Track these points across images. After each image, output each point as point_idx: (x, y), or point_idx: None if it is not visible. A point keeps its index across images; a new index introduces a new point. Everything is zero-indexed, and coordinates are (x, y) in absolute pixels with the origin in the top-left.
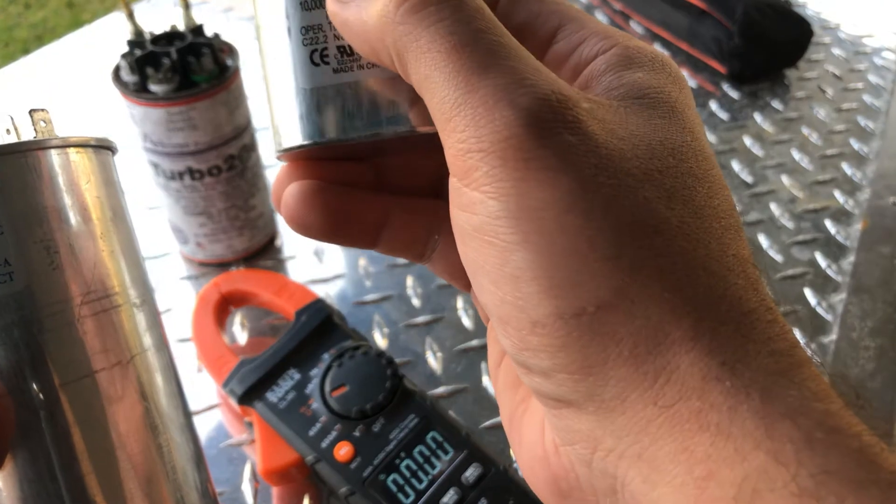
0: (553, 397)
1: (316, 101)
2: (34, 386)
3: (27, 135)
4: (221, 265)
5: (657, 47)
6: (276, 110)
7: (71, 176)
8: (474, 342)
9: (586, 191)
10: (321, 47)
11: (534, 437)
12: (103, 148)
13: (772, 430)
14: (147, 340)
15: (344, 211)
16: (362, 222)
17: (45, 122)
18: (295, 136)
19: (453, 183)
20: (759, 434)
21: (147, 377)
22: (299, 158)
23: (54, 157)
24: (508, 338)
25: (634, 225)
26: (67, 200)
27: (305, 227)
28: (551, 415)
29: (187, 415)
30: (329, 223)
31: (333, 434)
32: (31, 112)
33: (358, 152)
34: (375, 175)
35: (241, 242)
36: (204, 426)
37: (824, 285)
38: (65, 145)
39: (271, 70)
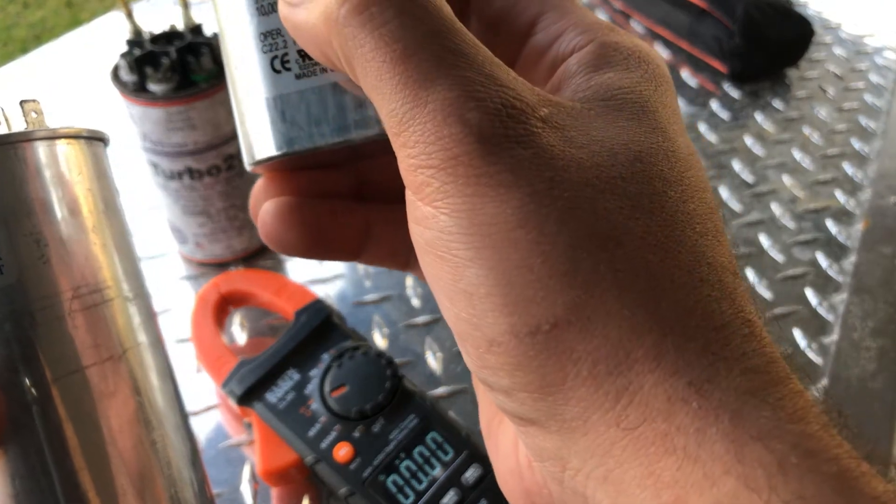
0: (516, 415)
1: (281, 109)
2: (26, 381)
3: (18, 126)
4: (220, 265)
5: (658, 47)
6: (243, 121)
7: (61, 168)
8: None
9: (540, 205)
10: (281, 53)
11: (508, 448)
12: (95, 139)
13: (742, 455)
14: (140, 335)
15: (323, 227)
16: (343, 237)
17: (36, 112)
18: (264, 147)
19: (408, 196)
20: (728, 458)
21: (140, 372)
22: (273, 170)
23: (44, 148)
24: (468, 355)
25: (592, 237)
26: (58, 193)
27: (284, 246)
28: (520, 431)
29: (182, 411)
30: (308, 240)
31: (333, 435)
32: (22, 103)
33: (333, 159)
34: (356, 180)
35: (240, 242)
36: (203, 427)
37: (825, 285)
38: (55, 136)
39: (235, 79)
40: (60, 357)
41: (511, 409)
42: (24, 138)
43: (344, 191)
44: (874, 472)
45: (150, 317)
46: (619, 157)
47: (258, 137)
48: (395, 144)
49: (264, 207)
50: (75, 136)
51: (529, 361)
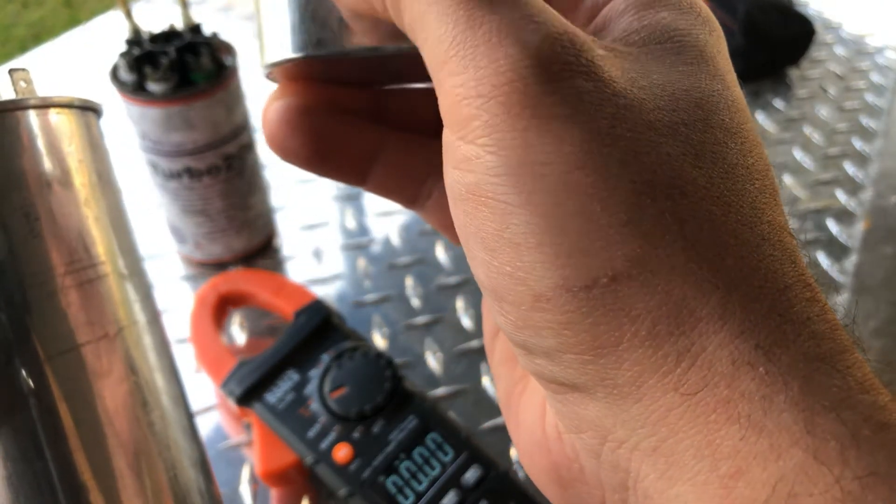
0: (557, 381)
1: (311, 8)
2: (17, 360)
3: (6, 95)
4: (220, 265)
5: None
6: (264, 20)
7: (52, 138)
8: (474, 343)
9: (601, 144)
10: None
11: (533, 419)
12: (87, 109)
13: (812, 425)
14: (136, 312)
15: (331, 137)
16: (351, 152)
17: (25, 82)
18: (284, 48)
19: (447, 137)
20: (797, 429)
21: (137, 351)
22: (290, 77)
23: (34, 117)
24: (505, 314)
25: (656, 185)
26: (48, 164)
27: (286, 151)
28: (555, 399)
29: (181, 390)
30: (312, 149)
31: (332, 435)
32: (11, 72)
33: (356, 75)
34: (374, 104)
35: (239, 242)
36: (202, 427)
37: (826, 286)
38: (45, 105)
39: None
40: (53, 335)
41: (551, 373)
42: (13, 107)
43: (358, 110)
44: None
45: (147, 295)
46: (680, 102)
47: (282, 38)
48: (440, 76)
49: (271, 107)
50: (67, 105)
51: (582, 319)
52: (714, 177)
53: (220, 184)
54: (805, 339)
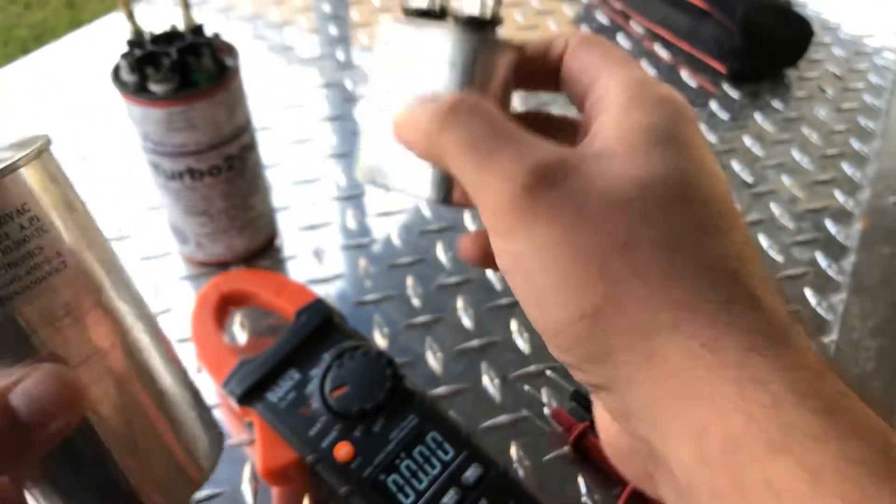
0: (591, 384)
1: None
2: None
3: None
4: (221, 265)
5: (657, 47)
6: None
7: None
8: (474, 342)
9: (572, 228)
10: None
11: (604, 423)
12: (39, 154)
13: (744, 395)
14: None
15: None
16: None
17: None
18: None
19: (490, 236)
20: (735, 398)
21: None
22: None
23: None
24: (549, 345)
25: (613, 246)
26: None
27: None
28: (597, 398)
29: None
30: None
31: (333, 434)
32: None
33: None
34: None
35: (240, 242)
36: None
37: (825, 285)
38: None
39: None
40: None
41: (586, 379)
42: None
43: None
44: (858, 408)
45: (133, 298)
46: (647, 185)
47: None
48: (476, 202)
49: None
50: (13, 169)
51: (585, 340)
52: (661, 233)
53: (222, 184)
54: (741, 337)
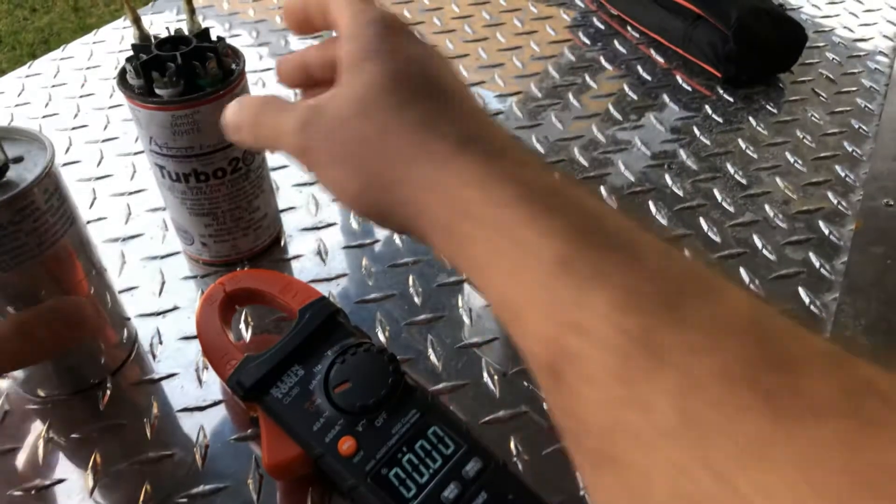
0: (391, 229)
1: None
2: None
3: None
4: (226, 265)
5: (653, 52)
6: None
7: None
8: (474, 339)
9: (331, 142)
10: None
11: None
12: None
13: (490, 168)
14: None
15: None
16: None
17: None
18: None
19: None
20: (481, 172)
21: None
22: None
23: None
24: (355, 214)
25: (355, 140)
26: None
27: None
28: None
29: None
30: None
31: (337, 429)
32: None
33: None
34: None
35: (245, 243)
36: (209, 422)
37: (818, 285)
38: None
39: None
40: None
41: (385, 227)
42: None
43: None
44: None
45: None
46: (353, 96)
47: None
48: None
49: None
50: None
51: (371, 204)
52: (391, 112)
53: (227, 186)
54: (482, 144)
